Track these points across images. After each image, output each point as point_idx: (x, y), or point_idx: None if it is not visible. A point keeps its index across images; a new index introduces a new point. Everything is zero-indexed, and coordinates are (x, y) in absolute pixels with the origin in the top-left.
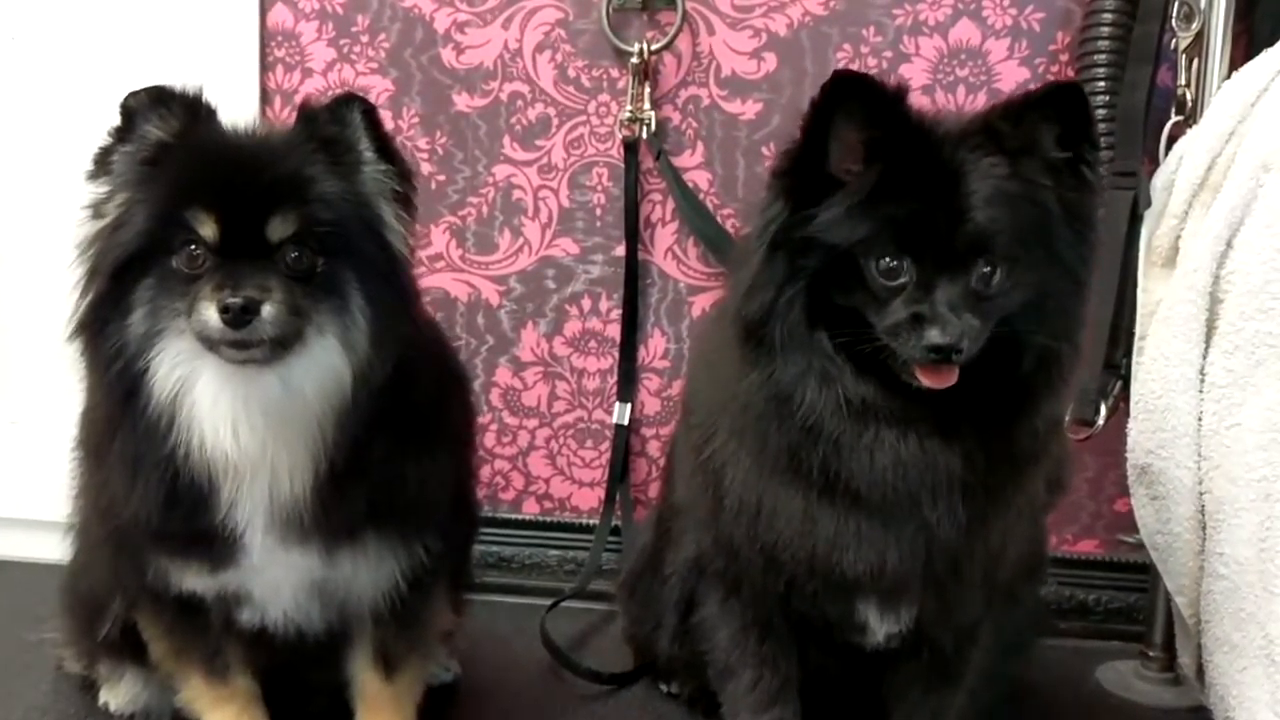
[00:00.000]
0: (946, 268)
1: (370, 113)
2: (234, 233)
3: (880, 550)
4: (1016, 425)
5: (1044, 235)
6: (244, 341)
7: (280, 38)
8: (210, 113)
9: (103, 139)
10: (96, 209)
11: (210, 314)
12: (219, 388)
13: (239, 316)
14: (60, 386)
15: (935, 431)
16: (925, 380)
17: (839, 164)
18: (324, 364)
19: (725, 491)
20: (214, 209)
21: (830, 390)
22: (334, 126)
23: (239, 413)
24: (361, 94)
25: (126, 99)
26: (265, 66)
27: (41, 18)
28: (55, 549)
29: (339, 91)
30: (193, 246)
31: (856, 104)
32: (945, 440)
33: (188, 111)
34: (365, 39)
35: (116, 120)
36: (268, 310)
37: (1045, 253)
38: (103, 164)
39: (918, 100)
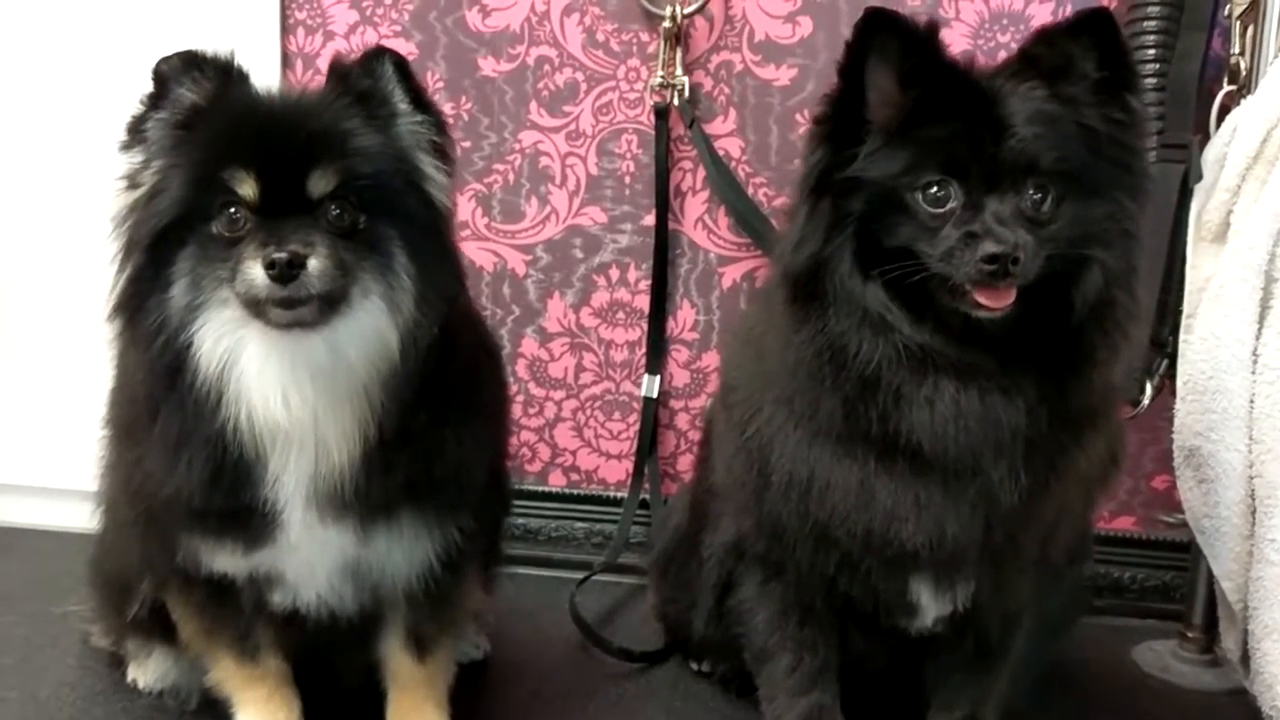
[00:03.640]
0: (995, 187)
1: (402, 64)
2: (274, 190)
3: (939, 519)
4: (1075, 381)
5: (1090, 161)
6: (292, 299)
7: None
8: (243, 76)
9: (135, 107)
10: (132, 179)
11: (256, 272)
12: (266, 355)
13: (285, 271)
14: (82, 354)
15: (995, 385)
16: (984, 300)
17: (877, 103)
18: (369, 327)
19: (773, 468)
20: (252, 167)
21: (888, 338)
22: (366, 80)
23: (287, 380)
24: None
25: (158, 64)
26: (286, 29)
27: None
28: (79, 517)
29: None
30: (232, 209)
31: (890, 39)
32: (1006, 394)
33: (220, 75)
34: (388, 1)
35: (148, 87)
36: (314, 264)
37: (1092, 182)
38: (136, 132)
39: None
